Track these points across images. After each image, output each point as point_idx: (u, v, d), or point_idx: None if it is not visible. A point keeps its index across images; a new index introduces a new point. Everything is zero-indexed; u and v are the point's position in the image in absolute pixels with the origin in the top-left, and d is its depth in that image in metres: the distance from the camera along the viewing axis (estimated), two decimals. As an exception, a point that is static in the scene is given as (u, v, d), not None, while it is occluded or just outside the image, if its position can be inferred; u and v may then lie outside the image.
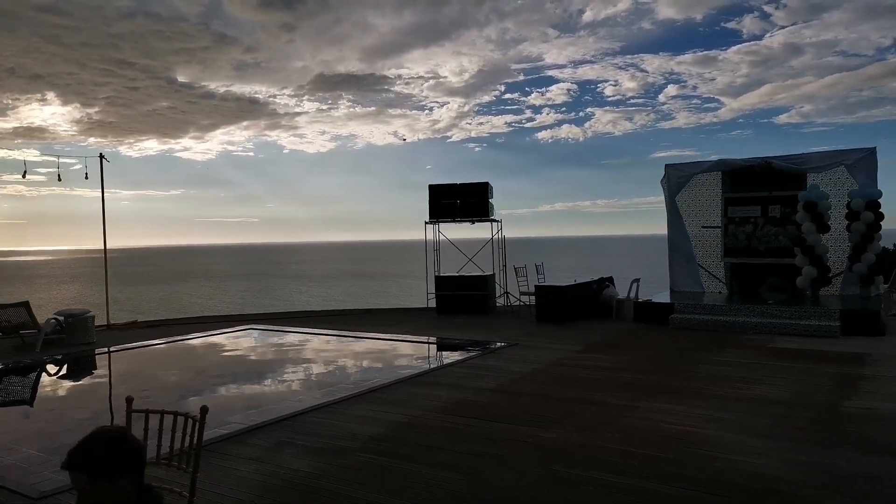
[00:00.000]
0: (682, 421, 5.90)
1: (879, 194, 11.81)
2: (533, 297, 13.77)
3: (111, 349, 10.93)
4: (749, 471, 4.64)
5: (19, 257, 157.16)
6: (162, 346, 11.20)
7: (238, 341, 11.63)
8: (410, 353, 10.22)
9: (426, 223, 15.08)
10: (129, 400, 3.53)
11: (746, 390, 7.04)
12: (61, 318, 11.38)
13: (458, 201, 14.64)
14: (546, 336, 11.10)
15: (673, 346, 9.99)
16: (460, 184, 14.65)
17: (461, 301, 14.40)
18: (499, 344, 10.33)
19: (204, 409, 3.26)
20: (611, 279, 14.28)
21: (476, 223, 14.89)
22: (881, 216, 11.84)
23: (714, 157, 13.52)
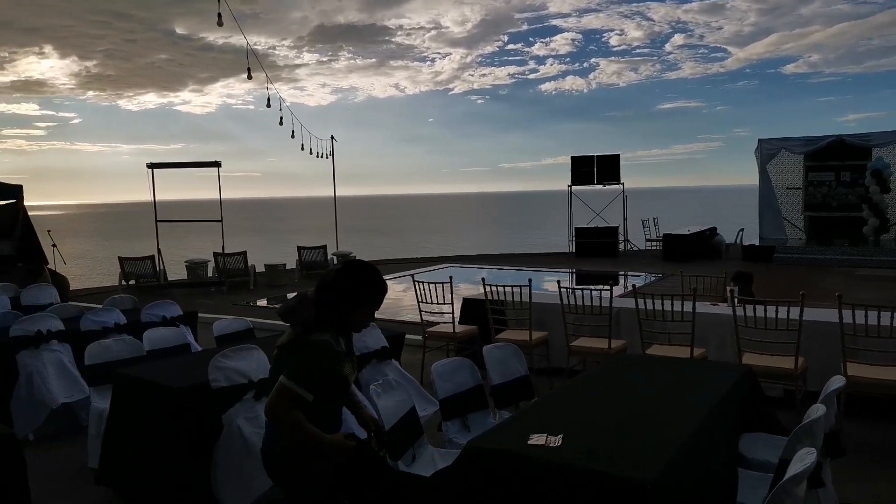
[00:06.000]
0: (840, 308, 10.19)
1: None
2: (652, 244, 18.11)
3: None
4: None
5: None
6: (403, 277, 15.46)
7: (466, 274, 15.89)
8: (614, 278, 14.72)
9: (568, 186, 19.25)
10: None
11: (863, 295, 11.35)
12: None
13: (594, 169, 18.77)
14: (689, 269, 15.29)
15: (791, 274, 14.29)
16: (598, 155, 18.76)
17: (596, 247, 18.65)
18: (661, 274, 14.61)
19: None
20: (715, 228, 18.54)
21: (607, 186, 19.05)
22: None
23: (796, 135, 17.64)
